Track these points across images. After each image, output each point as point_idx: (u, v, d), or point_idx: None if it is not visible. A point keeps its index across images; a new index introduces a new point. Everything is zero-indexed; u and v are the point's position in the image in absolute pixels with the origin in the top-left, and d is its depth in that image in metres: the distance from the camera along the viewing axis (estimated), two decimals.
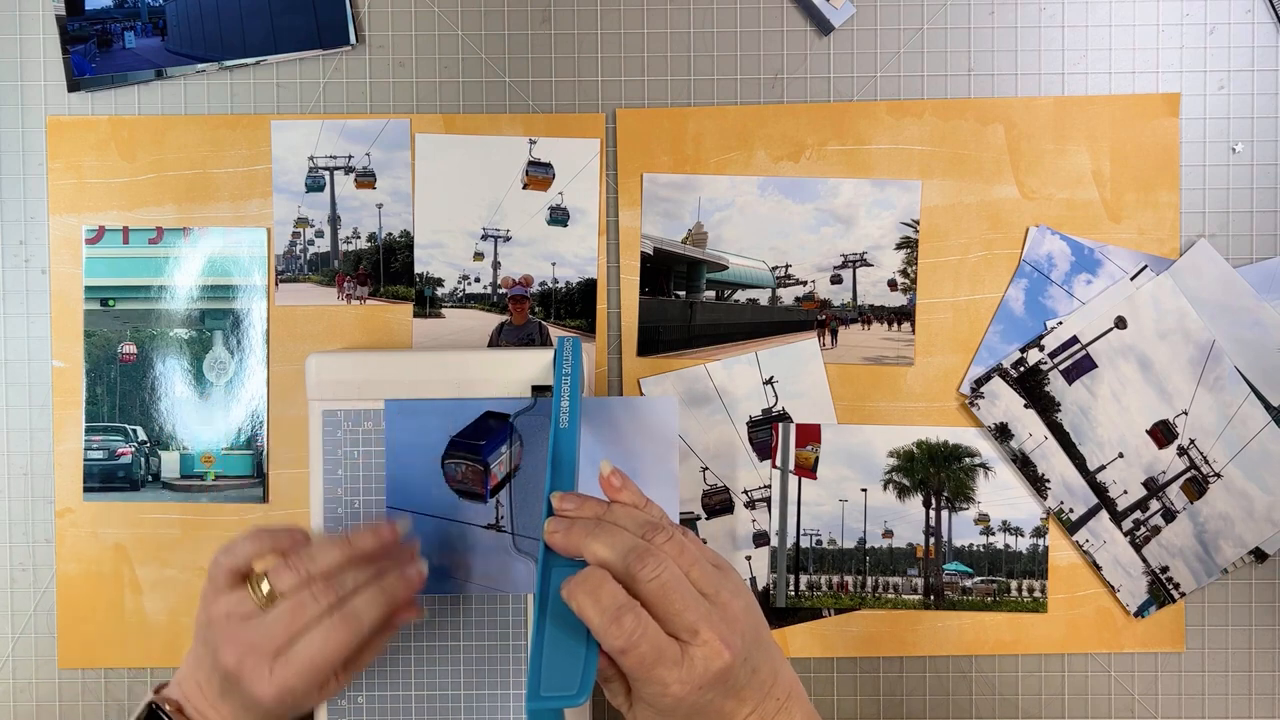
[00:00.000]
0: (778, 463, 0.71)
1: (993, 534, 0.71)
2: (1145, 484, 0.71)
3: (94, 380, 0.71)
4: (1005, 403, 0.70)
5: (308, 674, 0.55)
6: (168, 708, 0.58)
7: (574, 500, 0.58)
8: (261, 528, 0.59)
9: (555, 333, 0.71)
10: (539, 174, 0.71)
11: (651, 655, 0.51)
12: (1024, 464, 0.71)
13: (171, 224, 0.71)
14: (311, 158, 0.71)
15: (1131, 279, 0.70)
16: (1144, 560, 0.71)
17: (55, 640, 0.71)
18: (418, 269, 0.71)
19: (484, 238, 0.71)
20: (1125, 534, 0.71)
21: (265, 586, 0.56)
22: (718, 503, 0.71)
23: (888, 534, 0.71)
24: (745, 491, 0.71)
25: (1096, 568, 0.71)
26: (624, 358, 0.71)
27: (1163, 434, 0.70)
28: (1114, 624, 0.71)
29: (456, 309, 0.71)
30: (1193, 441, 0.70)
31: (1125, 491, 0.71)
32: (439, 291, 0.71)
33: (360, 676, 0.65)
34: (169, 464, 0.71)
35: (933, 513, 0.71)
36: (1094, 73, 0.71)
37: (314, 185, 0.71)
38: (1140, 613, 0.71)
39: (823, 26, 0.71)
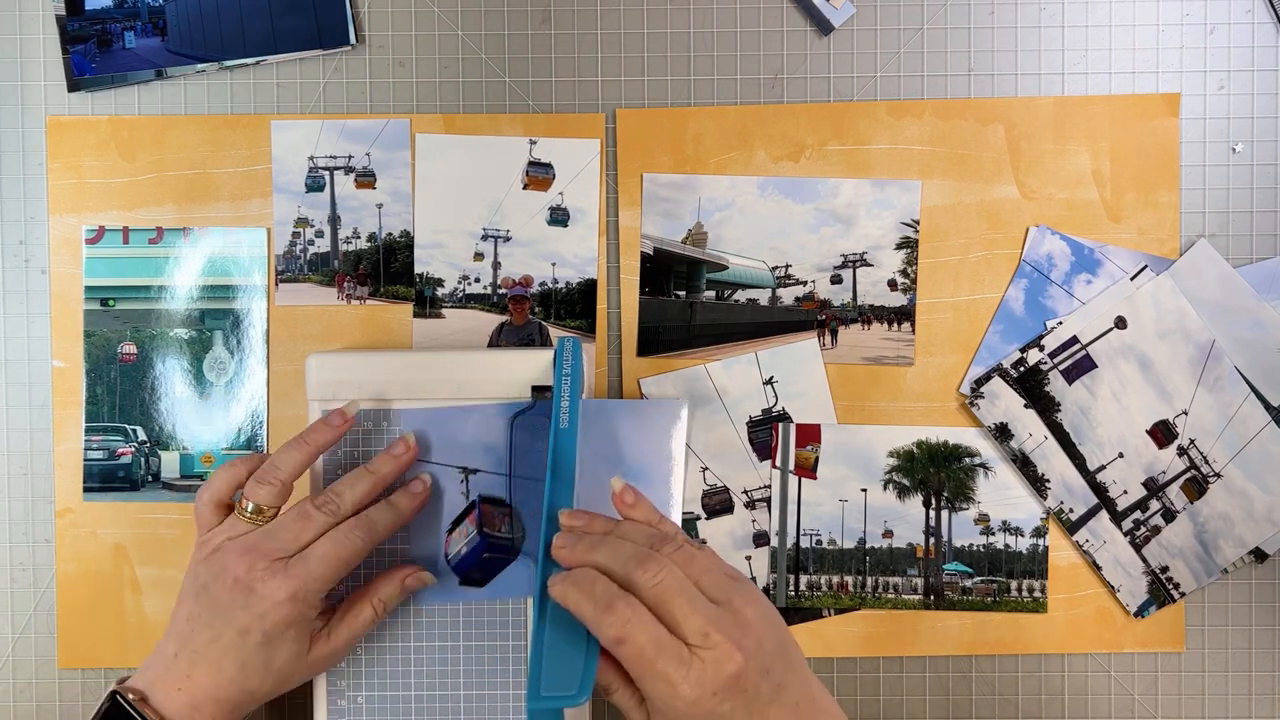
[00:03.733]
0: (778, 463, 0.71)
1: (993, 534, 0.71)
2: (1145, 484, 0.71)
3: (94, 380, 0.71)
4: (1005, 403, 0.70)
5: (320, 574, 0.57)
6: (131, 696, 0.57)
7: (582, 517, 0.57)
8: (228, 461, 0.62)
9: (555, 333, 0.71)
10: (539, 174, 0.71)
11: (651, 648, 0.50)
12: (1024, 464, 0.71)
13: (171, 224, 0.71)
14: (311, 158, 0.71)
15: (1131, 279, 0.70)
16: (1144, 560, 0.71)
17: (55, 640, 0.71)
18: (418, 269, 0.71)
19: (484, 238, 0.71)
20: (1125, 534, 0.71)
21: (250, 505, 0.59)
22: (718, 503, 0.71)
23: (888, 534, 0.71)
24: (745, 491, 0.71)
25: (1096, 568, 0.71)
26: (624, 358, 0.71)
27: (1163, 434, 0.70)
28: (1114, 624, 0.71)
29: (456, 309, 0.71)
30: (1193, 441, 0.70)
31: (1125, 491, 0.71)
32: (439, 291, 0.71)
33: (360, 676, 0.65)
34: (169, 464, 0.71)
35: (933, 513, 0.71)
36: (1094, 73, 0.71)
37: (314, 185, 0.71)
38: (1140, 613, 0.71)
39: (823, 26, 0.71)
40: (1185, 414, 0.70)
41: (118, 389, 0.71)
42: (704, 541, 0.71)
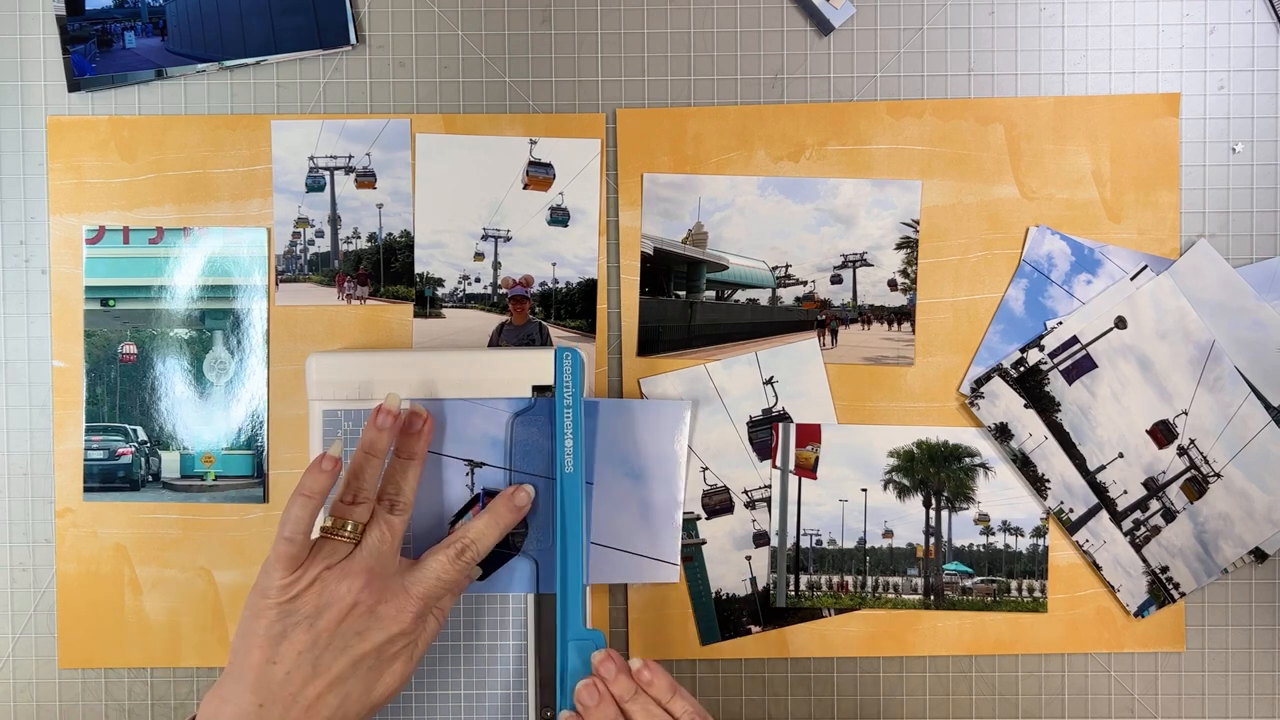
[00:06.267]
0: (778, 463, 0.71)
1: (993, 534, 0.71)
2: (1145, 484, 0.71)
3: (94, 380, 0.71)
4: (1005, 403, 0.70)
5: (438, 593, 0.59)
6: None
7: (609, 667, 0.60)
8: (294, 496, 0.58)
9: (555, 333, 0.71)
10: (539, 174, 0.71)
11: None
12: (1024, 464, 0.71)
13: (171, 224, 0.71)
14: (311, 158, 0.71)
15: (1131, 279, 0.70)
16: (1144, 560, 0.71)
17: (55, 640, 0.71)
18: (418, 269, 0.71)
19: (484, 238, 0.71)
20: (1125, 534, 0.71)
21: (349, 525, 0.59)
22: (718, 503, 0.71)
23: (888, 534, 0.71)
24: (745, 491, 0.71)
25: (1096, 568, 0.71)
26: (624, 358, 0.71)
27: (1163, 434, 0.70)
28: (1114, 624, 0.71)
29: (456, 309, 0.71)
30: (1193, 441, 0.70)
31: (1125, 491, 0.71)
32: (439, 291, 0.71)
33: None
34: (169, 464, 0.71)
35: (933, 513, 0.71)
36: (1094, 73, 0.71)
37: (314, 185, 0.71)
38: (1140, 613, 0.71)
39: (823, 26, 0.71)
40: (1185, 414, 0.70)
41: (118, 389, 0.71)
42: (704, 542, 0.71)
